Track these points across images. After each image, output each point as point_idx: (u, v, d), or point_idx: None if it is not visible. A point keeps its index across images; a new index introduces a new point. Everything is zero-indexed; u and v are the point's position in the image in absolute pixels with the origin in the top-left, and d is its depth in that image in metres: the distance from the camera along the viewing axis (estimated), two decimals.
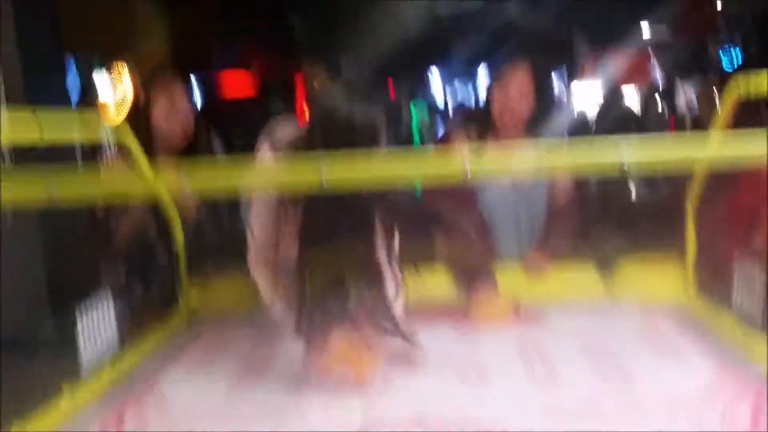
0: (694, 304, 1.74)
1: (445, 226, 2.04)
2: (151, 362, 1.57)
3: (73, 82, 5.59)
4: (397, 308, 1.52)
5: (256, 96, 7.95)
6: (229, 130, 7.34)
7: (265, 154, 1.44)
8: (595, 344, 1.54)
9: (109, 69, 6.02)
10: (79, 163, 2.09)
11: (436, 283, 1.92)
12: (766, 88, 1.28)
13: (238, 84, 8.04)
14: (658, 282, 1.85)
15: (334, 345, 1.35)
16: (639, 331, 1.62)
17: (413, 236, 2.45)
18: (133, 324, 1.65)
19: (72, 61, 5.51)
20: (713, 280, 1.73)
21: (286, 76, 8.39)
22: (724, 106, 1.49)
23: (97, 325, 1.47)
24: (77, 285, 1.75)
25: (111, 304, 1.54)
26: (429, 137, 8.50)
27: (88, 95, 5.73)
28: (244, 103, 7.58)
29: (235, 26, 7.77)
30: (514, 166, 1.62)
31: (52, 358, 1.42)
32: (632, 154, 1.13)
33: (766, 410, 1.15)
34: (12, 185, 1.25)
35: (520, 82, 2.02)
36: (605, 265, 1.98)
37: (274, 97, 7.78)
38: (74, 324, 1.40)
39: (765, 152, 1.09)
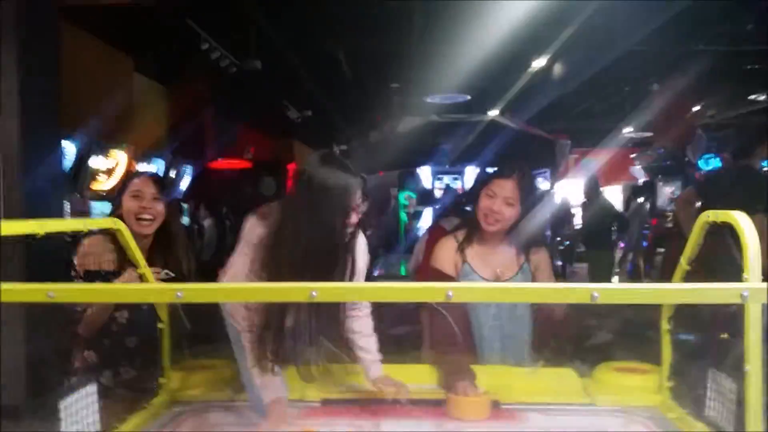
0: (669, 410, 1.78)
1: (430, 323, 2.10)
2: None
3: (69, 163, 5.65)
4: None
5: (249, 180, 8.12)
6: (222, 208, 7.47)
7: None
8: None
9: (105, 152, 6.11)
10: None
11: (419, 378, 1.97)
12: (728, 221, 1.37)
13: (231, 167, 8.23)
14: (635, 387, 1.90)
15: None
16: None
17: (398, 332, 2.52)
18: (115, 407, 1.66)
19: (70, 142, 5.58)
20: (687, 388, 1.78)
21: (279, 163, 8.62)
22: (693, 233, 1.59)
23: (77, 408, 1.47)
24: (58, 370, 1.76)
25: (92, 388, 1.55)
26: (414, 224, 8.64)
27: (83, 177, 5.78)
28: (237, 185, 7.74)
29: (232, 113, 8.04)
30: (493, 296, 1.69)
31: None
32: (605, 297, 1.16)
33: None
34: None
35: (505, 190, 2.13)
36: (584, 370, 2.04)
37: (266, 181, 7.96)
38: (55, 408, 1.41)
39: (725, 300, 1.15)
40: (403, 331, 3.00)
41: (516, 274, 2.21)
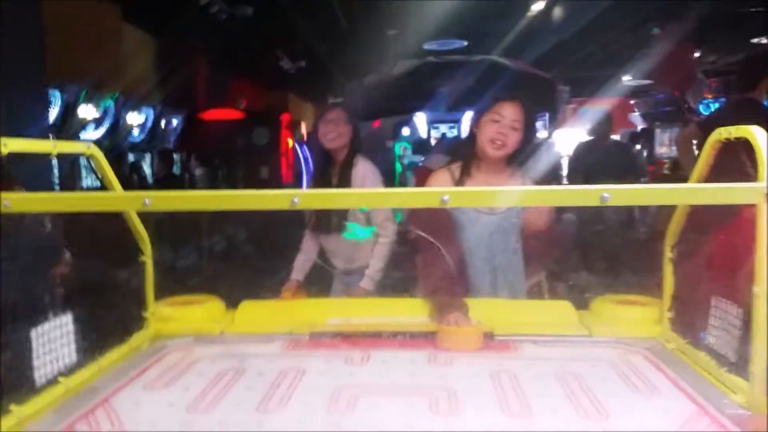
0: (668, 340, 1.72)
1: (423, 254, 2.04)
2: (109, 378, 1.50)
3: (56, 111, 5.57)
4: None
5: (242, 128, 7.99)
6: (214, 159, 7.36)
7: None
8: (569, 375, 1.50)
9: (94, 101, 6.02)
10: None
11: (412, 311, 1.91)
12: (743, 136, 1.30)
13: (224, 117, 8.08)
14: (634, 318, 1.84)
15: None
16: (612, 365, 1.59)
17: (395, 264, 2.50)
18: (97, 341, 1.61)
19: (56, 91, 5.49)
20: (689, 317, 1.72)
21: (272, 114, 8.46)
22: (704, 151, 1.50)
23: (53, 339, 1.41)
24: (36, 300, 1.69)
25: (70, 319, 1.49)
26: (409, 174, 8.55)
27: (70, 127, 5.70)
28: (229, 135, 7.61)
29: (225, 63, 7.84)
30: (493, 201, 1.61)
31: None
32: (613, 199, 1.09)
33: None
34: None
35: (511, 113, 2.06)
36: (582, 300, 1.98)
37: (258, 132, 7.82)
38: (28, 338, 1.35)
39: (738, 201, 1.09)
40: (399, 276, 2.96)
41: (512, 207, 2.13)
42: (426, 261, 2.04)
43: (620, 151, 4.80)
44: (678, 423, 1.25)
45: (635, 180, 4.37)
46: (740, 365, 1.39)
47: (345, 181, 2.59)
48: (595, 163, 4.23)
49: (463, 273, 2.12)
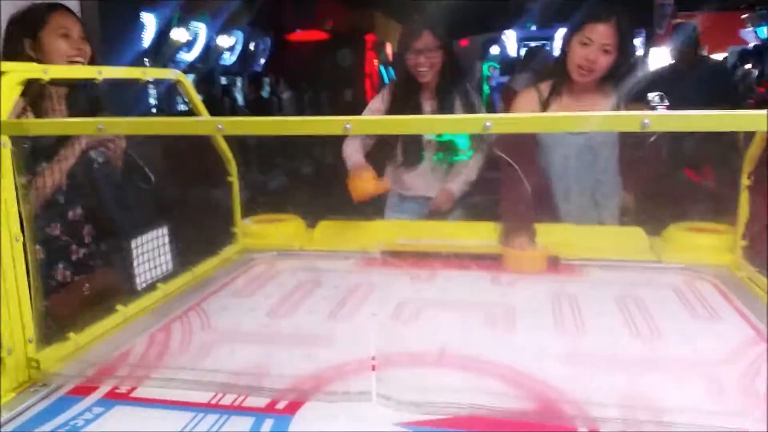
0: (740, 268, 1.70)
1: (503, 175, 2.05)
2: (201, 285, 1.69)
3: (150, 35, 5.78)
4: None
5: (327, 49, 8.02)
6: (300, 80, 7.45)
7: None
8: (629, 298, 1.54)
9: (186, 25, 6.19)
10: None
11: (482, 234, 1.97)
12: None
13: (309, 38, 8.13)
14: (706, 245, 1.82)
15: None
16: (676, 290, 1.61)
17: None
18: (189, 253, 1.79)
19: (150, 14, 5.68)
20: (761, 245, 1.69)
21: (357, 34, 8.40)
22: None
23: (151, 250, 1.59)
24: (139, 216, 1.88)
25: (166, 232, 1.66)
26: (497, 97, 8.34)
27: (165, 49, 5.93)
28: (315, 57, 7.67)
29: None
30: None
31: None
32: (656, 124, 1.07)
33: None
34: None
35: (602, 35, 1.96)
36: (654, 227, 1.96)
37: (343, 53, 7.83)
38: (129, 248, 1.53)
39: None
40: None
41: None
42: (504, 183, 2.05)
43: (709, 73, 4.38)
44: (731, 348, 1.27)
45: (729, 104, 4.08)
46: None
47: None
48: (679, 86, 3.96)
49: (549, 195, 2.13)
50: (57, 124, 1.57)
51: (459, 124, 0.97)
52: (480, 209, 2.50)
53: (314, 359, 1.19)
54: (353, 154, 2.42)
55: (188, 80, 1.74)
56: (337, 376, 1.12)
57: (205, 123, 1.26)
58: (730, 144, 1.98)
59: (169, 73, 1.69)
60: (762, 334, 1.33)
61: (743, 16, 8.20)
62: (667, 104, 3.81)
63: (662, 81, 3.99)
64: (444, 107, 2.45)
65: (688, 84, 3.89)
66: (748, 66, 7.09)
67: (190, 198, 2.84)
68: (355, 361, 1.15)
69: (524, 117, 1.37)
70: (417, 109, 2.48)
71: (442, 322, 1.43)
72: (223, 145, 1.93)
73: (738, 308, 1.48)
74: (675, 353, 1.25)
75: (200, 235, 2.03)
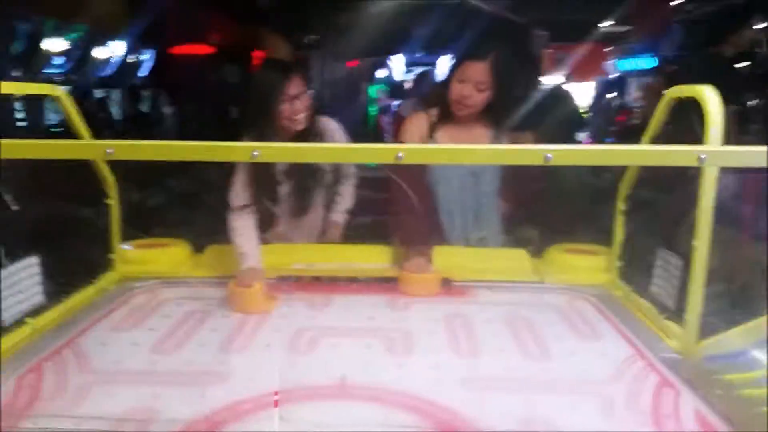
0: (616, 288, 1.82)
1: (393, 198, 2.06)
2: (76, 319, 1.55)
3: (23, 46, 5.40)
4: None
5: (212, 67, 7.80)
6: (183, 95, 7.19)
7: None
8: (517, 319, 1.59)
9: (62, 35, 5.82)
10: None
11: (377, 257, 1.98)
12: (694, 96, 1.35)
13: (195, 52, 7.87)
14: (585, 266, 1.93)
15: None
16: (559, 310, 1.68)
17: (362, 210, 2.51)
18: (64, 283, 1.64)
19: (20, 23, 5.30)
20: (635, 267, 1.81)
21: (245, 50, 8.25)
22: (658, 109, 1.56)
23: (19, 282, 1.45)
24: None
25: (37, 261, 1.52)
26: (385, 119, 8.50)
27: (35, 59, 5.54)
28: (200, 71, 7.43)
29: None
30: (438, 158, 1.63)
31: None
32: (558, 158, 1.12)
33: (668, 388, 1.22)
34: None
35: (477, 74, 2.02)
36: (536, 249, 2.06)
37: (230, 69, 7.66)
38: None
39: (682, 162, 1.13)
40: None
41: None
42: (395, 206, 2.07)
43: (552, 100, 4.68)
44: (614, 365, 1.35)
45: (568, 129, 4.37)
46: (678, 313, 1.48)
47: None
48: (529, 111, 4.18)
49: (435, 217, 2.16)
50: None
51: (370, 154, 0.95)
52: (366, 230, 2.48)
53: (208, 398, 1.12)
54: (242, 230, 1.91)
55: (68, 97, 1.61)
56: (234, 416, 1.06)
57: (93, 146, 1.16)
58: (607, 170, 2.11)
59: (47, 89, 1.55)
60: (640, 351, 1.42)
61: (605, 50, 8.94)
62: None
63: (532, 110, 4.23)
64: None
65: (541, 111, 4.13)
66: (610, 96, 7.72)
67: (61, 221, 2.61)
68: (253, 398, 1.10)
69: (433, 149, 1.40)
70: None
71: (342, 350, 1.40)
72: (103, 166, 1.80)
73: (616, 326, 1.57)
74: (564, 373, 1.31)
75: (74, 263, 1.88)
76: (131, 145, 1.00)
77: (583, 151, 0.98)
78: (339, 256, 2.03)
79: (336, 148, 1.50)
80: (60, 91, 1.65)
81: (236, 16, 8.81)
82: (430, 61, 8.92)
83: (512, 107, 2.20)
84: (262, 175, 2.03)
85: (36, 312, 1.47)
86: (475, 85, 2.02)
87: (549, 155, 0.93)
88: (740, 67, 3.65)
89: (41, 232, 2.02)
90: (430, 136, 2.14)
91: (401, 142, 2.18)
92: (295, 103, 2.01)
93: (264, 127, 1.99)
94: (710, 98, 1.30)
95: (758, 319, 1.36)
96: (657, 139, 1.59)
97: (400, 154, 0.97)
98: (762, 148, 1.08)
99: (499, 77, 2.05)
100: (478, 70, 2.01)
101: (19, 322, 1.41)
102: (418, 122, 2.19)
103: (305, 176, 2.14)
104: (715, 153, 1.03)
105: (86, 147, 1.18)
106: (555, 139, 1.04)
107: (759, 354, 1.30)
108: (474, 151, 1.04)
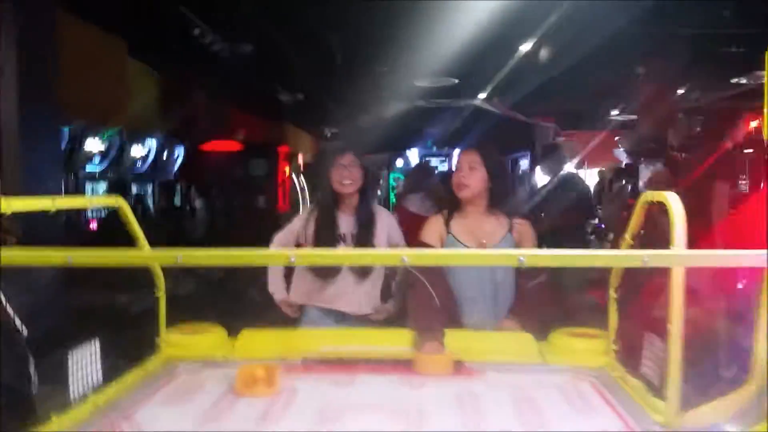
0: (613, 369, 1.99)
1: (413, 288, 2.33)
2: (129, 396, 1.76)
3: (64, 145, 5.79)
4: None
5: (241, 159, 8.25)
6: (213, 188, 7.58)
7: None
8: (523, 400, 1.77)
9: (99, 135, 6.22)
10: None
11: (396, 341, 2.19)
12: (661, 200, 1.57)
13: (223, 149, 8.37)
14: (585, 349, 2.11)
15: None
16: (561, 390, 1.86)
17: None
18: (116, 364, 1.87)
19: (67, 129, 5.70)
20: (629, 350, 1.99)
21: (271, 146, 8.74)
22: (635, 212, 1.79)
23: (83, 364, 1.67)
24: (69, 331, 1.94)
25: (96, 346, 1.75)
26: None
27: (77, 159, 5.91)
28: (228, 166, 7.88)
29: (225, 96, 8.15)
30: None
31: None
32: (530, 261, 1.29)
33: None
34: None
35: (468, 160, 2.46)
36: (541, 333, 2.25)
37: (257, 163, 8.11)
38: (65, 363, 1.61)
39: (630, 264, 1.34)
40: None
41: (499, 242, 2.45)
42: (414, 294, 2.34)
43: (567, 186, 4.92)
44: None
45: (581, 214, 4.65)
46: (665, 391, 1.65)
47: (364, 230, 2.77)
48: (544, 197, 4.46)
49: (454, 302, 2.44)
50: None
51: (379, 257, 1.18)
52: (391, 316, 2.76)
53: None
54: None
55: (128, 207, 1.89)
56: None
57: (163, 255, 1.40)
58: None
59: (111, 200, 1.83)
60: (629, 425, 1.58)
61: (615, 138, 9.29)
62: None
63: (542, 198, 4.50)
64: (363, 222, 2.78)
65: (556, 199, 4.38)
66: (621, 182, 7.96)
67: (111, 308, 2.87)
68: None
69: (430, 254, 1.66)
70: (334, 222, 2.79)
71: (362, 424, 1.58)
72: (157, 268, 2.06)
73: (611, 404, 1.74)
74: None
75: (124, 347, 2.10)
76: (194, 254, 1.25)
77: (549, 256, 1.20)
78: (362, 340, 2.24)
79: (350, 254, 1.75)
80: (122, 201, 1.93)
81: (261, 113, 9.40)
82: (443, 154, 9.43)
83: (511, 193, 2.61)
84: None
85: (96, 389, 1.69)
86: (468, 165, 2.45)
87: (522, 258, 1.15)
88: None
89: (91, 317, 2.25)
90: (448, 233, 2.48)
91: (421, 241, 2.48)
92: (344, 170, 2.69)
93: (321, 187, 2.79)
94: (674, 204, 1.51)
95: (731, 395, 1.54)
96: (636, 236, 1.81)
97: (405, 258, 1.21)
98: (724, 252, 1.30)
99: (490, 162, 2.45)
100: (469, 155, 2.47)
101: (83, 397, 1.62)
102: (436, 224, 2.54)
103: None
104: (654, 256, 1.22)
105: (159, 256, 1.43)
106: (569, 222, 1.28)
107: (730, 427, 1.47)
108: (460, 255, 1.27)
